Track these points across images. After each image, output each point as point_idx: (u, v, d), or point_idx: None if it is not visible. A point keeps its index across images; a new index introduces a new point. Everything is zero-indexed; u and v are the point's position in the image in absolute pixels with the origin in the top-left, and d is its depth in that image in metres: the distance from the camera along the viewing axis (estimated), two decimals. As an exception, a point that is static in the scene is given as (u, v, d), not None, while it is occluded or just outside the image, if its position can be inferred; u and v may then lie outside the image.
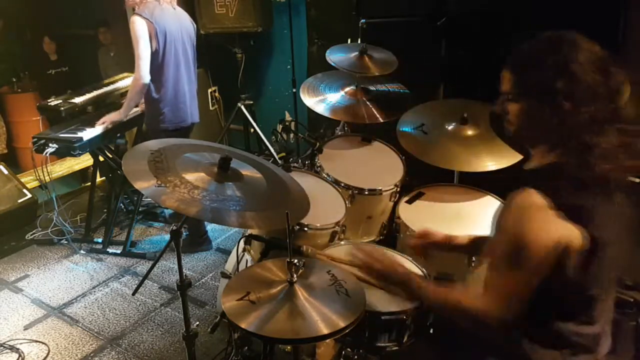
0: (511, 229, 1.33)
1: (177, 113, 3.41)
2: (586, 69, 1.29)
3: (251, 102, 4.49)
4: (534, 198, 1.30)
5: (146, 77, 3.20)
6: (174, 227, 1.83)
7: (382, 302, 1.74)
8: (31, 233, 4.03)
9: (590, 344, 1.41)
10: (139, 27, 3.13)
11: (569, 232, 1.28)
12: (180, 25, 3.38)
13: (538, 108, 1.35)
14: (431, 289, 1.53)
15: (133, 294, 3.28)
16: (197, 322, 2.26)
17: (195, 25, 3.56)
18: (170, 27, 3.26)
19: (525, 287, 1.32)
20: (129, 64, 3.45)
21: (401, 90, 3.11)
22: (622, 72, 1.33)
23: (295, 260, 1.52)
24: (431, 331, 1.81)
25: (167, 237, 3.69)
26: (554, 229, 1.27)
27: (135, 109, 3.66)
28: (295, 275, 1.52)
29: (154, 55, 3.22)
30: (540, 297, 1.33)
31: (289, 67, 4.69)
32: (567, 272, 1.30)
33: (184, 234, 3.58)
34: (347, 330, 1.43)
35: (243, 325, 1.40)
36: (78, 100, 3.75)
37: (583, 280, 1.33)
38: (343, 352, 1.84)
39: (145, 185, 1.55)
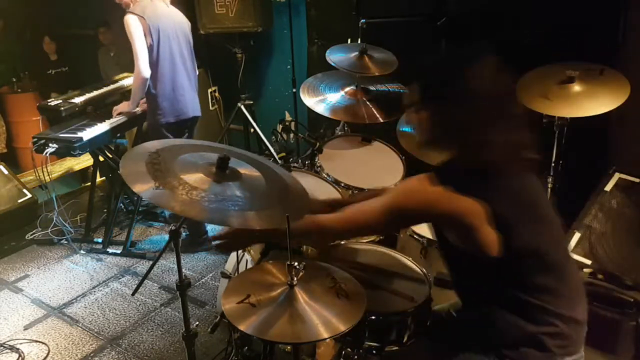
0: (401, 191, 1.56)
1: (176, 106, 3.46)
2: (477, 78, 1.47)
3: (251, 102, 4.48)
4: (429, 181, 1.48)
5: (146, 72, 3.29)
6: (173, 227, 1.83)
7: (382, 302, 1.74)
8: (31, 233, 4.03)
9: (553, 308, 1.48)
10: (133, 24, 3.23)
11: (467, 205, 1.42)
12: (174, 21, 3.42)
13: (438, 114, 1.54)
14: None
15: (133, 294, 3.28)
16: (197, 322, 2.26)
17: (189, 22, 3.59)
18: (163, 24, 3.32)
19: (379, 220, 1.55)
20: (129, 64, 3.48)
21: (401, 90, 3.10)
22: (511, 79, 1.55)
23: (296, 263, 1.51)
24: (431, 331, 1.80)
25: (167, 237, 3.69)
26: (447, 199, 1.43)
27: (135, 109, 3.67)
28: (295, 278, 1.51)
29: (149, 51, 3.28)
30: (490, 267, 1.46)
31: (289, 67, 4.68)
32: (487, 245, 1.42)
33: (184, 234, 3.59)
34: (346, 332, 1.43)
35: (243, 328, 1.40)
36: (78, 100, 3.76)
37: (515, 253, 1.45)
38: (343, 352, 1.84)
39: (143, 188, 1.53)
